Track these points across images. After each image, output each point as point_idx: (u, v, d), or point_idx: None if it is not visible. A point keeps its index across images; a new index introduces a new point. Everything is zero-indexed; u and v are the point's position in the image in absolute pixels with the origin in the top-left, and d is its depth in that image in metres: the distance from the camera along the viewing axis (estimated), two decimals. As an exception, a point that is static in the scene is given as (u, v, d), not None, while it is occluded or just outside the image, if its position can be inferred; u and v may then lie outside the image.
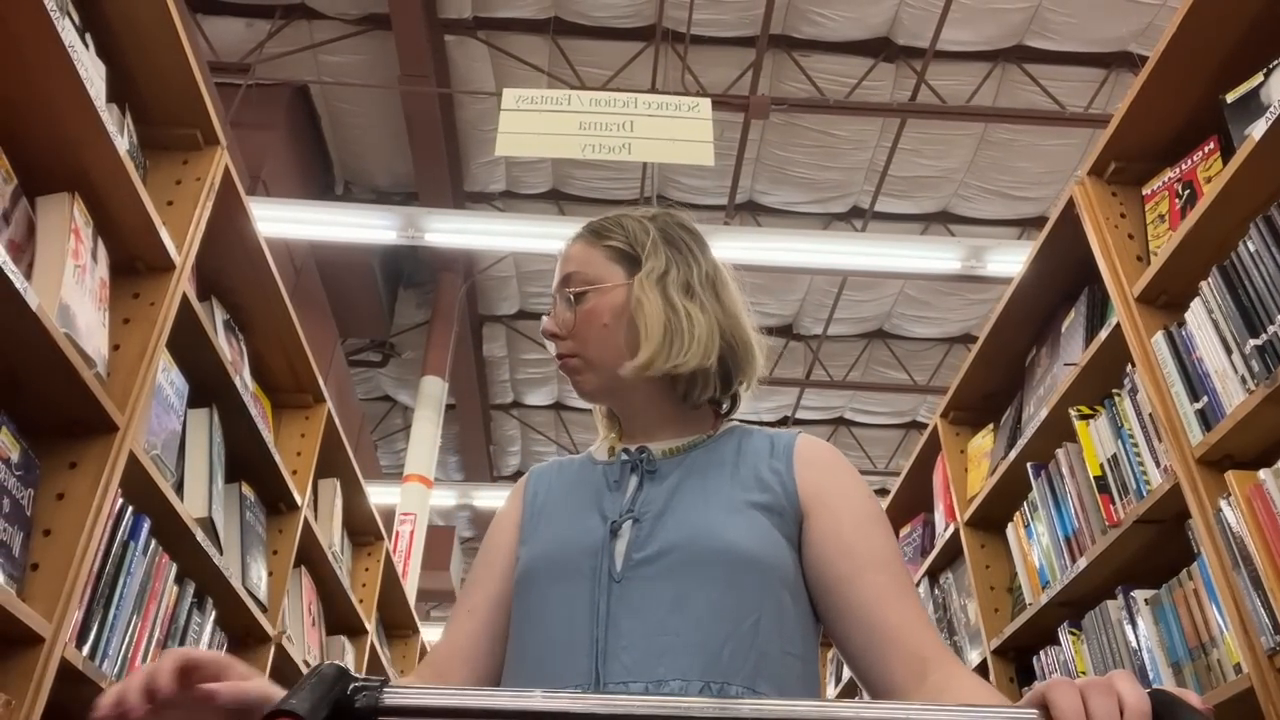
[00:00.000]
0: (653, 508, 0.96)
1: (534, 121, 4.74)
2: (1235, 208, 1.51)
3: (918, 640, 0.87)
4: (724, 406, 1.10)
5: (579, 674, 0.87)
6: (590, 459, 1.10)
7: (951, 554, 2.62)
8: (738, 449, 1.03)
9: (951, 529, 2.56)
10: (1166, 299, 1.71)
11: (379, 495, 5.07)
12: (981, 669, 2.35)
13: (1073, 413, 1.94)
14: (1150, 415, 1.70)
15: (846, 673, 3.07)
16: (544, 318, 1.10)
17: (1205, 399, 1.54)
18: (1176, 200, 1.76)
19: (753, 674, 0.86)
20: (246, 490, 2.22)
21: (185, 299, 1.71)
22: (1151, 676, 1.67)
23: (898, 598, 0.90)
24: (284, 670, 2.40)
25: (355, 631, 3.23)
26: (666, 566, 0.91)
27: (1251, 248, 1.46)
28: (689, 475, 1.00)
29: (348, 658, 3.13)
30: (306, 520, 2.52)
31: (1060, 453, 2.01)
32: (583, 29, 7.10)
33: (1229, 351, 1.49)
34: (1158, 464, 1.68)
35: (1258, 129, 1.44)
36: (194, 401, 1.91)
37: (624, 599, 0.90)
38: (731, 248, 5.66)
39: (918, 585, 2.82)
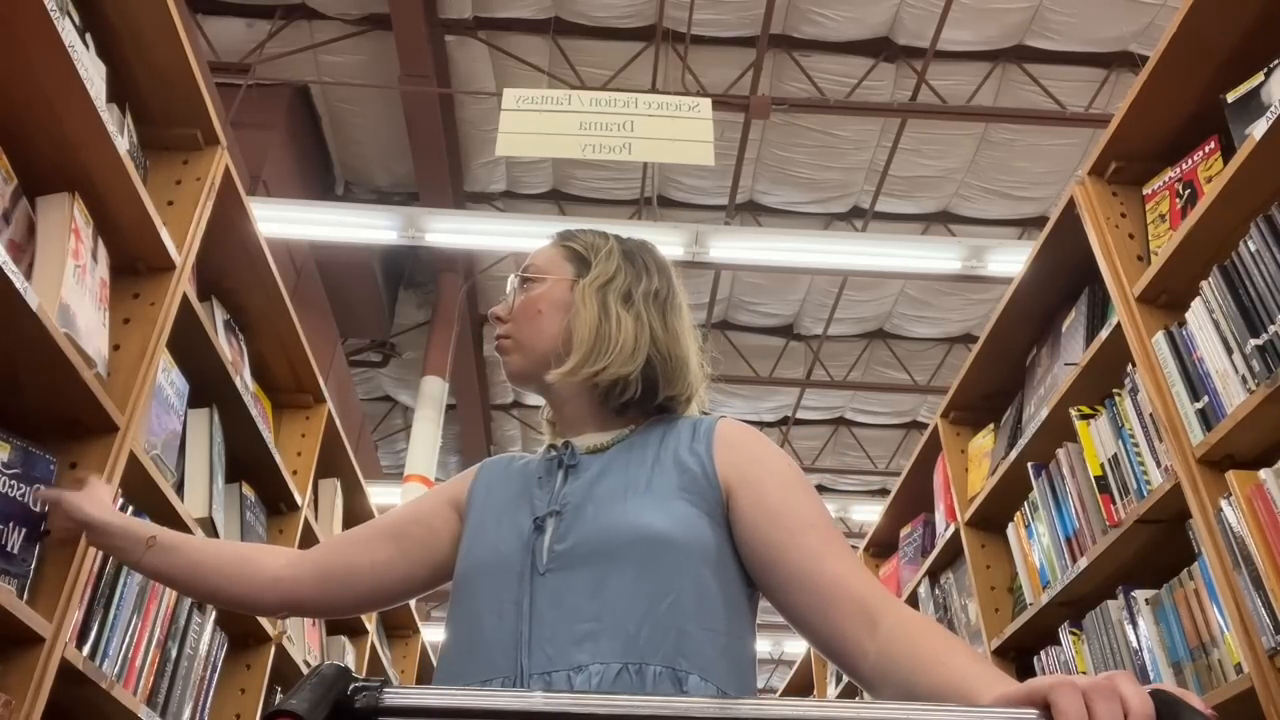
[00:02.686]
0: (573, 500, 1.00)
1: (534, 121, 4.73)
2: (1236, 207, 1.51)
3: (859, 590, 0.88)
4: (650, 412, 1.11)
5: (505, 668, 0.90)
6: (531, 460, 1.14)
7: (952, 554, 2.62)
8: (660, 438, 1.06)
9: (952, 529, 2.56)
10: (1167, 299, 1.71)
11: (380, 495, 5.07)
12: (982, 669, 2.35)
13: (1073, 413, 1.94)
14: (1151, 415, 1.70)
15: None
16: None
17: (1206, 399, 1.54)
18: (1177, 200, 1.76)
19: (672, 652, 0.88)
20: (247, 490, 2.22)
21: (185, 299, 1.71)
22: (1152, 676, 1.67)
23: (832, 555, 0.91)
24: (284, 670, 2.40)
25: (355, 632, 3.23)
26: (584, 556, 0.94)
27: (1252, 247, 1.46)
28: (609, 467, 1.03)
29: (348, 658, 3.13)
30: (307, 521, 2.52)
31: (1061, 453, 2.01)
32: (583, 29, 7.09)
33: (1230, 351, 1.49)
34: (1158, 464, 1.68)
35: (1258, 129, 1.44)
36: (194, 401, 1.91)
37: (546, 592, 0.93)
38: (731, 248, 5.66)
39: (918, 585, 2.82)
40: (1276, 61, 1.56)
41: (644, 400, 1.08)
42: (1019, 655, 2.25)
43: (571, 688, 0.85)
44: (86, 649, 1.45)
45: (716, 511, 0.98)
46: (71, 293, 1.39)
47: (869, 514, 9.70)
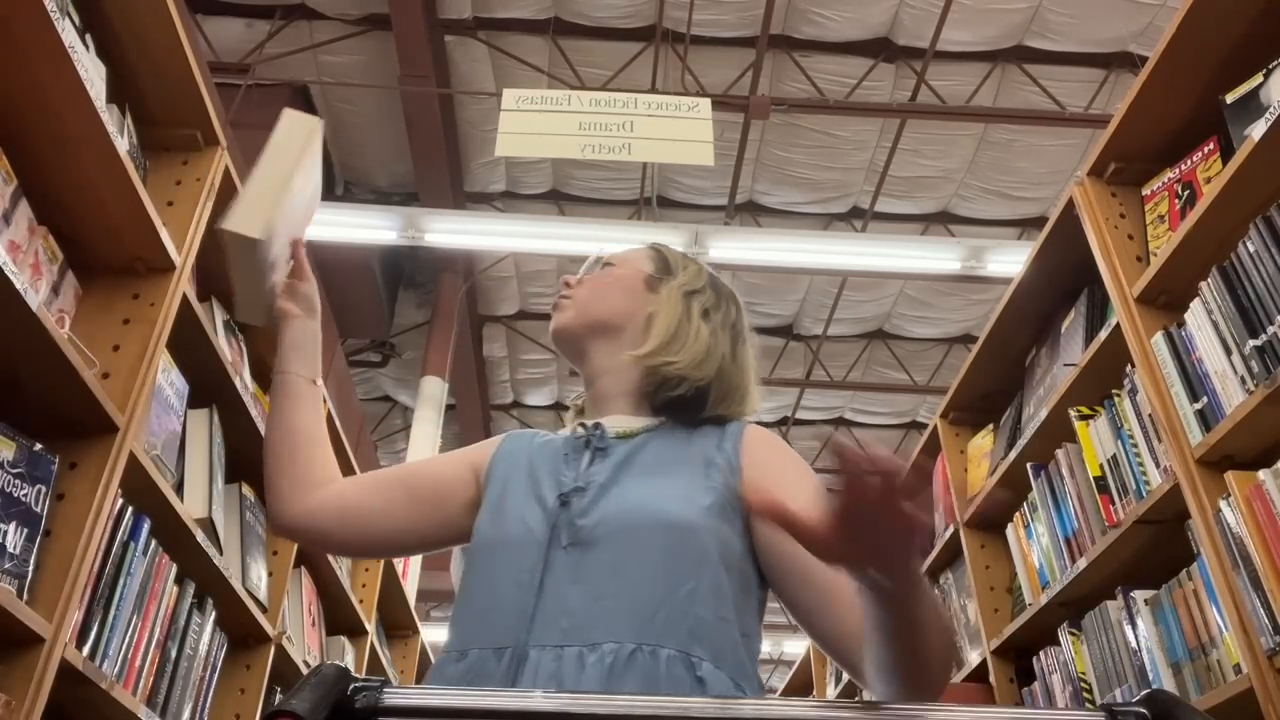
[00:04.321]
0: (599, 480, 1.01)
1: (534, 122, 4.73)
2: (1235, 208, 1.52)
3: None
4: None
5: (509, 635, 0.90)
6: (554, 438, 1.14)
7: (951, 554, 2.62)
8: (689, 435, 1.08)
9: (951, 529, 2.56)
10: (1166, 299, 1.71)
11: (379, 495, 5.06)
12: (981, 669, 2.35)
13: (1073, 413, 1.94)
14: (1150, 416, 1.70)
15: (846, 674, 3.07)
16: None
17: (1205, 399, 1.54)
18: (1176, 200, 1.76)
19: (687, 638, 0.90)
20: (247, 490, 2.22)
21: (185, 299, 1.71)
22: (1151, 677, 1.67)
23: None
24: (284, 671, 2.40)
25: (355, 632, 3.23)
26: (606, 535, 0.96)
27: (1251, 248, 1.46)
28: (638, 453, 1.05)
29: (348, 658, 3.12)
30: (306, 520, 2.52)
31: (1060, 453, 2.01)
32: (583, 29, 7.09)
33: (1229, 352, 1.49)
34: (1157, 464, 1.69)
35: (1257, 129, 1.44)
36: (194, 402, 1.91)
37: (567, 567, 0.94)
38: (731, 248, 5.65)
39: (918, 585, 2.82)
40: (1276, 62, 1.56)
41: (688, 406, 1.10)
42: (1018, 655, 2.25)
43: (583, 665, 0.86)
44: (86, 649, 1.45)
45: (738, 509, 1.00)
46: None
47: (868, 514, 9.67)
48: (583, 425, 1.10)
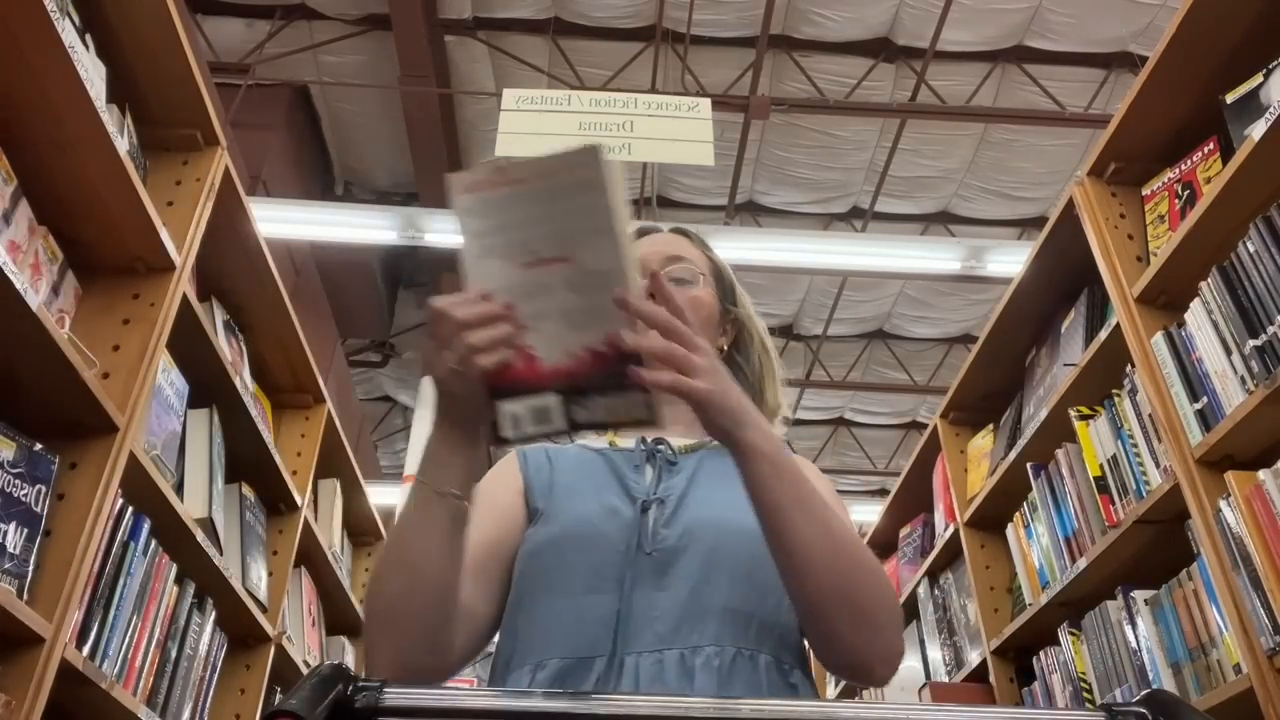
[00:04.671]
0: (675, 491, 1.01)
1: (534, 122, 4.72)
2: (1235, 208, 1.52)
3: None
4: None
5: (596, 644, 0.89)
6: (584, 448, 1.12)
7: (951, 554, 2.62)
8: None
9: (951, 529, 2.56)
10: (1166, 299, 1.71)
11: (379, 495, 5.06)
12: (981, 669, 2.35)
13: (1073, 413, 1.94)
14: (1150, 416, 1.70)
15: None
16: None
17: (1205, 399, 1.54)
18: (1176, 200, 1.76)
19: (778, 644, 0.93)
20: (246, 491, 2.22)
21: (185, 299, 1.71)
22: (1151, 677, 1.67)
23: None
24: (284, 671, 2.40)
25: (355, 632, 3.23)
26: (692, 544, 0.96)
27: (1251, 248, 1.46)
28: (702, 468, 1.05)
29: (348, 658, 3.12)
30: (306, 521, 2.52)
31: (1060, 453, 2.01)
32: (583, 29, 7.09)
33: (1229, 352, 1.49)
34: (1157, 464, 1.69)
35: (1257, 129, 1.44)
36: (194, 402, 1.91)
37: (651, 574, 0.94)
38: (731, 248, 5.64)
39: (917, 586, 2.83)
40: (1276, 62, 1.56)
41: None
42: (1018, 655, 2.25)
43: (687, 668, 0.87)
44: (86, 649, 1.45)
45: None
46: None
47: (868, 514, 9.68)
48: (644, 440, 1.08)
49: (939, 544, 2.67)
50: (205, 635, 1.95)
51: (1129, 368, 1.76)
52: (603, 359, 0.79)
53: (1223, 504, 1.47)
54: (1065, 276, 2.12)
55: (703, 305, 1.10)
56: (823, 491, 1.03)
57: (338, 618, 3.09)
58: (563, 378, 0.80)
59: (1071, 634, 1.97)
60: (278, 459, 2.26)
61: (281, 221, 5.40)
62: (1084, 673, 1.92)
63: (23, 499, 1.32)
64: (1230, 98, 1.62)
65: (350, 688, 0.62)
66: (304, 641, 2.67)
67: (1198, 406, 1.55)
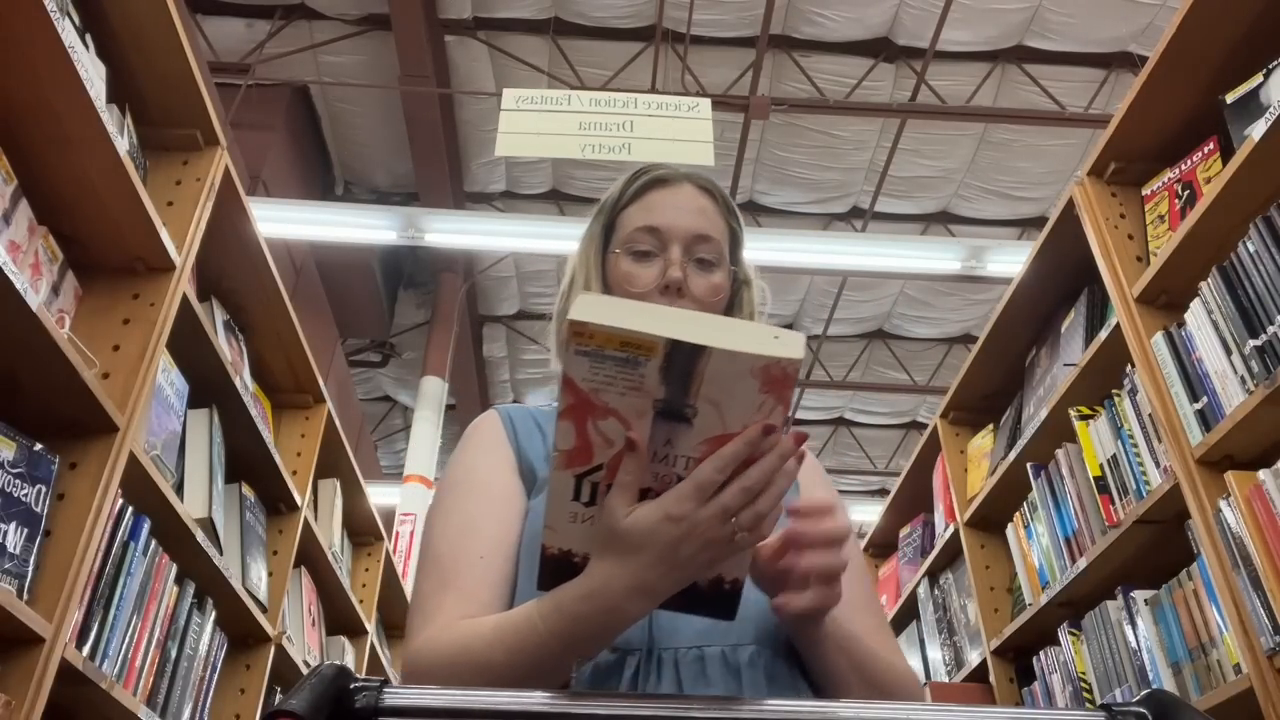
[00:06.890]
0: None
1: (534, 121, 4.73)
2: (1235, 208, 1.52)
3: (878, 643, 0.92)
4: None
5: (629, 638, 0.83)
6: None
7: (951, 554, 2.62)
8: None
9: (951, 529, 2.56)
10: (1166, 299, 1.71)
11: (379, 495, 5.07)
12: (981, 669, 2.35)
13: (1072, 413, 1.94)
14: (1150, 416, 1.70)
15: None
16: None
17: (1205, 399, 1.54)
18: (1176, 200, 1.76)
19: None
20: (246, 491, 2.22)
21: (185, 299, 1.71)
22: (1151, 677, 1.67)
23: (864, 611, 0.95)
24: (284, 671, 2.40)
25: (355, 632, 3.23)
26: None
27: (1251, 248, 1.46)
28: None
29: (348, 658, 3.12)
30: (306, 521, 2.52)
31: (1060, 453, 2.01)
32: (583, 29, 7.09)
33: (1229, 352, 1.49)
34: (1157, 464, 1.68)
35: (1257, 129, 1.44)
36: (194, 402, 1.91)
37: None
38: (731, 248, 5.63)
39: (917, 586, 2.83)
40: (1276, 62, 1.56)
41: None
42: (1018, 655, 2.25)
43: (729, 664, 0.85)
44: (86, 649, 1.45)
45: None
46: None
47: (868, 514, 9.69)
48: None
49: (939, 544, 2.66)
50: (205, 635, 1.95)
51: (1129, 368, 1.76)
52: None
53: (1223, 504, 1.47)
54: (1065, 276, 2.12)
55: (720, 290, 1.04)
56: (824, 493, 1.02)
57: (337, 618, 3.09)
58: None
59: (1071, 634, 1.97)
60: (278, 459, 2.26)
61: (281, 221, 5.41)
62: (1084, 673, 1.92)
63: (23, 499, 1.32)
64: (1230, 98, 1.62)
65: (350, 687, 0.62)
66: (304, 641, 2.67)
67: (1198, 406, 1.55)
